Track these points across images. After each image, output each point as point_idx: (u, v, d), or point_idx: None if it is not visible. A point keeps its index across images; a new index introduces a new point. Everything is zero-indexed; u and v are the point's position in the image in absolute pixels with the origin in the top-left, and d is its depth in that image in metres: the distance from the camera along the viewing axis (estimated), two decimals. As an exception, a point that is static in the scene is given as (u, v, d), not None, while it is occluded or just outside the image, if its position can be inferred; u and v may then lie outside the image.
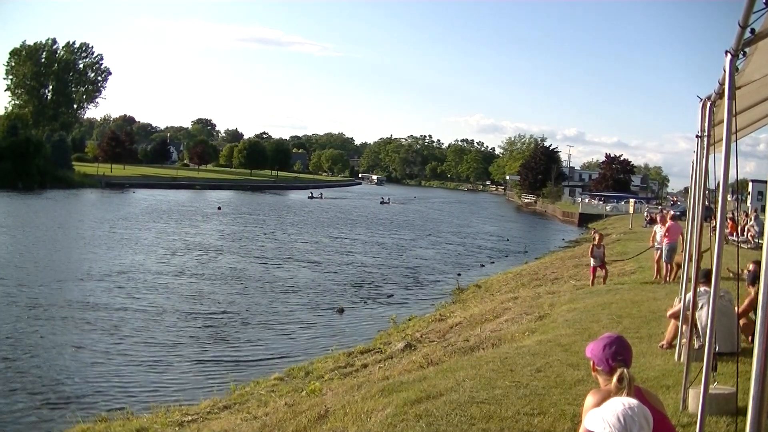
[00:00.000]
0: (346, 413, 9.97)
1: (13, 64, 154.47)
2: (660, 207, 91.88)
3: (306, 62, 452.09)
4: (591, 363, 4.71)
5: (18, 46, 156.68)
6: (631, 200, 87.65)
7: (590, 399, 4.46)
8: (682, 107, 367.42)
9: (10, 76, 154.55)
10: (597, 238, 24.42)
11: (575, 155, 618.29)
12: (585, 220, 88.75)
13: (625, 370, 4.37)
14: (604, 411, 3.86)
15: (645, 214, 69.63)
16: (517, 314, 18.96)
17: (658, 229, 23.88)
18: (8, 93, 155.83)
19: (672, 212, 32.91)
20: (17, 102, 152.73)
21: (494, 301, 24.60)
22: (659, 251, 22.89)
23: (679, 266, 19.90)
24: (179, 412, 14.03)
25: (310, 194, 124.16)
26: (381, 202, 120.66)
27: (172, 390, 17.34)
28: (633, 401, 3.89)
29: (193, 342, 22.11)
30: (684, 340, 10.05)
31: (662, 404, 4.67)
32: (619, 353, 4.54)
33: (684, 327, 10.25)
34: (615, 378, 4.34)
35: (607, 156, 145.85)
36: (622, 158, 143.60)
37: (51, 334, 21.95)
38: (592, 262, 23.66)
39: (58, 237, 46.86)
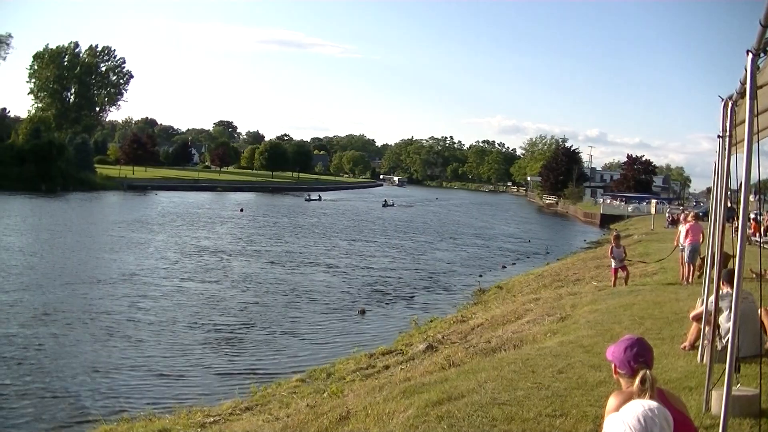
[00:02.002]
0: (368, 415, 9.97)
1: (36, 67, 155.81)
2: (682, 207, 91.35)
3: (327, 64, 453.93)
4: (612, 366, 4.69)
5: (41, 49, 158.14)
6: (653, 201, 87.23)
7: (612, 401, 4.43)
8: (705, 107, 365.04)
9: (33, 80, 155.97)
10: (614, 238, 24.36)
11: (597, 156, 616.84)
12: (606, 221, 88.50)
13: (648, 371, 4.34)
14: (624, 413, 3.85)
15: (667, 214, 69.40)
16: (538, 315, 18.89)
17: (683, 230, 23.76)
18: (31, 96, 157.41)
19: (693, 212, 32.73)
20: (40, 105, 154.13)
21: (516, 302, 24.52)
22: (683, 252, 22.79)
23: (701, 267, 19.86)
24: (201, 414, 14.05)
25: (308, 196, 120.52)
26: (384, 205, 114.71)
27: (194, 392, 17.37)
28: (653, 403, 3.88)
29: (215, 344, 22.16)
30: (707, 342, 10.01)
31: (685, 406, 4.65)
32: (640, 355, 4.52)
33: (706, 328, 10.20)
34: (637, 380, 4.30)
35: (629, 156, 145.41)
36: (643, 159, 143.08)
37: (71, 337, 22.06)
38: (612, 263, 23.58)
39: (80, 239, 47.07)
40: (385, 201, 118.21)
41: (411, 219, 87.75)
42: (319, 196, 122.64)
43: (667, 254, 28.02)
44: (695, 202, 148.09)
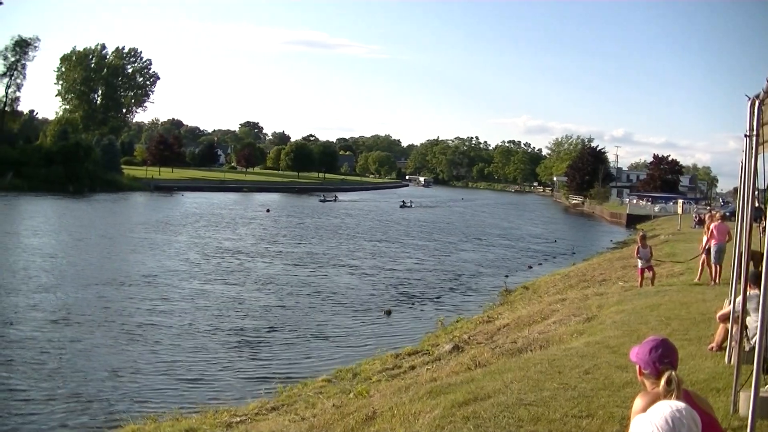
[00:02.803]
0: (394, 415, 9.99)
1: (63, 69, 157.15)
2: (708, 207, 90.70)
3: (353, 64, 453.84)
4: (637, 367, 4.67)
5: (68, 52, 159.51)
6: (680, 201, 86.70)
7: (638, 402, 4.41)
8: (732, 106, 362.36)
9: (61, 82, 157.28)
10: (640, 238, 24.23)
11: (623, 156, 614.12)
12: (633, 221, 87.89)
13: (673, 372, 4.32)
14: (652, 414, 3.84)
15: (694, 214, 68.91)
16: (564, 316, 18.85)
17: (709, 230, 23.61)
18: (59, 98, 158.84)
19: (720, 212, 32.52)
20: (67, 107, 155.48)
21: (542, 302, 24.47)
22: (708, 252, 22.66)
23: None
24: (228, 413, 14.13)
25: (322, 197, 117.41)
26: (401, 206, 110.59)
27: (221, 392, 17.47)
28: (681, 404, 3.87)
29: (241, 345, 22.26)
30: (734, 343, 9.96)
31: (711, 407, 4.63)
32: (665, 356, 4.50)
33: (734, 329, 10.16)
34: (663, 381, 4.28)
35: (655, 156, 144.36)
36: (670, 158, 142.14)
37: (96, 339, 22.18)
38: (639, 263, 23.47)
39: (105, 240, 47.44)
40: (403, 202, 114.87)
41: (436, 219, 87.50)
42: (335, 197, 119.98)
43: (695, 255, 27.89)
44: (723, 201, 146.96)
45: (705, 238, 23.47)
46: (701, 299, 17.86)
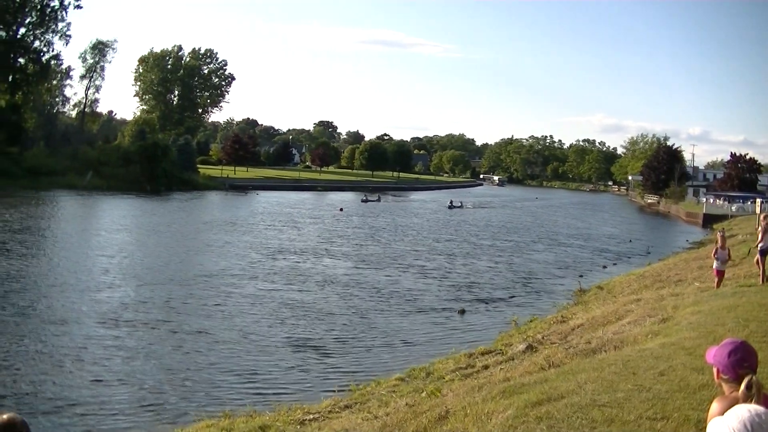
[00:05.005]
0: (467, 414, 10.00)
1: (141, 71, 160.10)
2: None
3: (427, 64, 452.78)
4: (715, 370, 4.60)
5: (145, 53, 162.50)
6: (758, 200, 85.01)
7: (715, 406, 4.33)
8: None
9: (139, 83, 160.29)
10: (719, 239, 23.76)
11: (699, 155, 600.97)
12: (709, 220, 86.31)
13: (754, 376, 4.25)
14: (729, 418, 3.80)
15: (773, 213, 67.50)
16: (639, 316, 18.64)
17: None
18: (137, 99, 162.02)
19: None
20: (145, 107, 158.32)
21: (616, 302, 24.22)
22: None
23: None
24: (301, 411, 14.27)
25: (364, 197, 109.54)
26: (450, 206, 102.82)
27: (294, 390, 17.68)
28: (760, 408, 3.83)
29: (313, 343, 22.49)
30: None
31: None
32: (745, 359, 4.42)
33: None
34: (743, 385, 4.20)
35: (733, 155, 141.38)
36: (748, 157, 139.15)
37: (169, 335, 22.69)
38: (715, 264, 23.03)
39: (180, 239, 48.30)
40: (451, 202, 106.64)
41: (509, 220, 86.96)
42: (378, 197, 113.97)
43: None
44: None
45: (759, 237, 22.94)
46: (781, 301, 17.51)
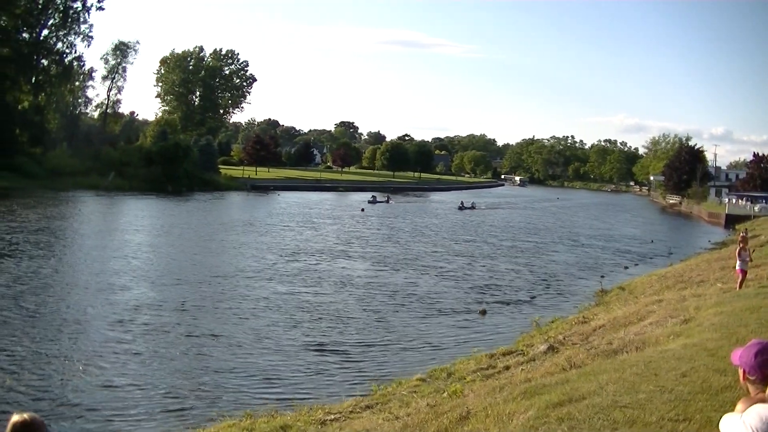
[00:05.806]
0: (488, 415, 10.02)
1: (162, 72, 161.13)
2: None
3: (448, 64, 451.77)
4: (740, 371, 4.49)
5: (167, 54, 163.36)
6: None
7: (740, 407, 4.23)
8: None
9: (160, 84, 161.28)
10: (741, 239, 23.67)
11: (722, 155, 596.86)
12: (732, 221, 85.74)
13: (781, 377, 4.21)
14: (749, 416, 3.79)
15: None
16: (661, 317, 18.57)
17: None
18: (158, 100, 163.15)
19: None
20: (167, 108, 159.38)
21: (638, 303, 24.13)
22: None
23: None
24: (322, 411, 14.32)
25: (372, 197, 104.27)
26: (460, 208, 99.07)
27: (315, 390, 17.72)
28: (785, 409, 3.81)
29: (335, 344, 22.53)
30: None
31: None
32: (772, 361, 4.38)
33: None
34: (771, 387, 4.15)
35: (755, 155, 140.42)
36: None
37: (190, 335, 22.78)
38: (738, 264, 22.94)
39: (201, 239, 48.42)
40: (462, 203, 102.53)
41: (529, 220, 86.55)
42: (387, 198, 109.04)
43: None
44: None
45: None
46: (805, 302, 17.41)
